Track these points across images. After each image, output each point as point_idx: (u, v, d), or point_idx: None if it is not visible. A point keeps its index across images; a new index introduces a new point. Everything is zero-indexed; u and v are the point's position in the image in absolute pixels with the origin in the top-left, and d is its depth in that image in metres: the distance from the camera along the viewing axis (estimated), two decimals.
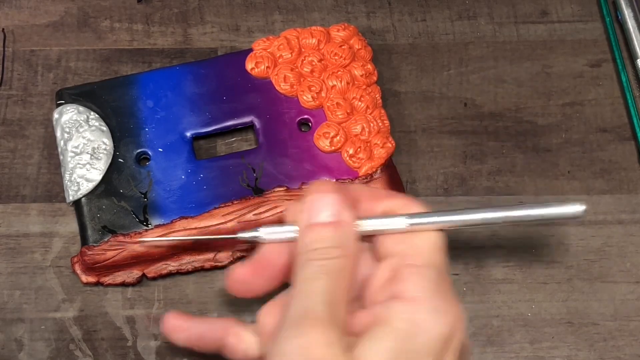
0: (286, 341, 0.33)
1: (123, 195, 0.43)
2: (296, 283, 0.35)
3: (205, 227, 0.42)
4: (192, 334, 0.39)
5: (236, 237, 0.39)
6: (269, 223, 0.43)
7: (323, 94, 0.46)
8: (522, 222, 0.35)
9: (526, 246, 0.45)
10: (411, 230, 0.36)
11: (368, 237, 0.37)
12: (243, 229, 0.42)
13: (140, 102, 0.46)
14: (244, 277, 0.38)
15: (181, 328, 0.39)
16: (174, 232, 0.42)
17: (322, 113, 0.46)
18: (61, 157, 0.45)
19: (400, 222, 0.36)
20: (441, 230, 0.36)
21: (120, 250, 0.42)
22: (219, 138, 0.47)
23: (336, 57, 0.46)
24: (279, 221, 0.43)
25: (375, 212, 0.37)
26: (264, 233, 0.38)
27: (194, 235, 0.42)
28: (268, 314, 0.37)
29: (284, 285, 0.37)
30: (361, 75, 0.46)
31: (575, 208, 0.35)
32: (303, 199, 0.36)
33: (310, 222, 0.35)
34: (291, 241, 0.37)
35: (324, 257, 0.34)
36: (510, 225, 0.34)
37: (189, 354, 0.42)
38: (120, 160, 0.44)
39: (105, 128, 0.45)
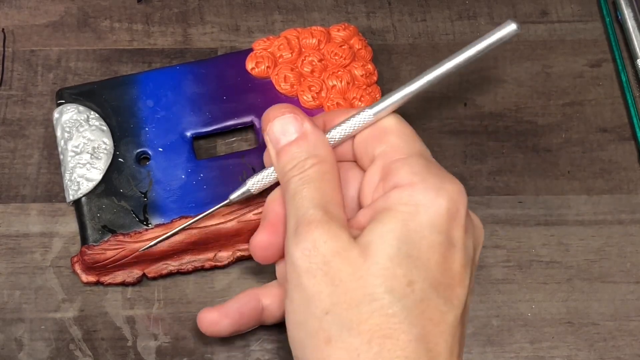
0: (292, 251, 0.34)
1: (123, 195, 0.43)
2: (286, 204, 0.36)
3: (205, 226, 0.42)
4: (233, 317, 0.39)
5: (229, 202, 0.40)
6: None
7: (323, 94, 0.46)
8: (469, 62, 0.37)
9: (526, 246, 0.45)
10: (378, 119, 0.37)
11: (349, 152, 0.38)
12: (242, 229, 0.43)
13: (141, 101, 0.46)
14: (264, 241, 0.38)
15: (220, 318, 0.39)
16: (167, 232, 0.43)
17: None
18: (61, 157, 0.44)
19: (365, 116, 0.37)
20: (404, 103, 0.37)
21: (120, 250, 0.42)
22: (219, 138, 0.47)
23: (336, 57, 0.46)
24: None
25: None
26: (251, 185, 0.39)
27: (197, 234, 0.42)
28: (282, 261, 0.38)
29: None
30: (361, 75, 0.46)
31: (510, 28, 0.37)
32: (263, 130, 0.38)
33: (278, 147, 0.37)
34: (277, 182, 0.38)
35: (301, 170, 0.35)
36: (460, 67, 0.37)
37: (188, 354, 0.42)
38: (120, 159, 0.44)
39: (105, 127, 0.45)
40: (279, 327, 0.43)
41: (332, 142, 0.37)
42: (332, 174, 0.36)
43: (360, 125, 0.37)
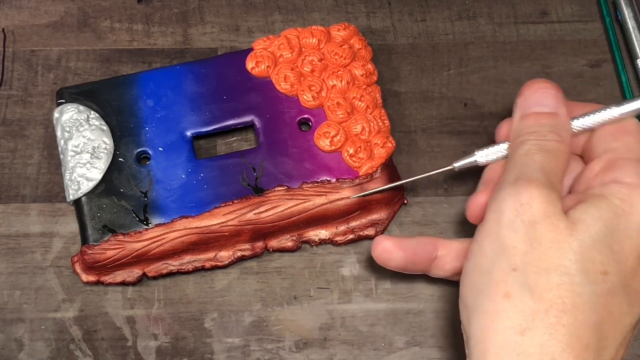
0: (503, 199, 0.34)
1: (123, 195, 0.43)
2: (511, 159, 0.36)
3: (206, 226, 0.42)
4: (408, 252, 0.40)
5: (453, 168, 0.41)
6: (272, 220, 0.43)
7: (323, 94, 0.46)
8: None
9: None
10: (623, 118, 0.38)
11: (578, 145, 0.39)
12: (243, 229, 0.43)
13: (141, 101, 0.46)
14: (484, 202, 0.38)
15: (394, 248, 0.40)
16: (174, 230, 0.43)
17: (323, 112, 0.46)
18: (61, 156, 0.44)
19: (611, 114, 0.38)
20: None
21: (120, 249, 0.42)
22: (219, 137, 0.47)
23: (336, 57, 0.46)
24: (280, 220, 0.43)
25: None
26: (479, 157, 0.40)
27: (197, 234, 0.43)
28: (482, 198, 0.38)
29: None
30: (361, 75, 0.46)
31: None
32: (520, 93, 0.39)
33: (528, 112, 0.38)
34: (506, 159, 0.39)
35: (541, 138, 0.36)
36: None
37: (188, 354, 0.42)
38: (120, 159, 0.44)
39: (105, 127, 0.45)
40: (277, 326, 0.43)
41: (574, 127, 0.38)
42: (565, 155, 0.37)
43: (603, 121, 0.38)
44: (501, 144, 0.40)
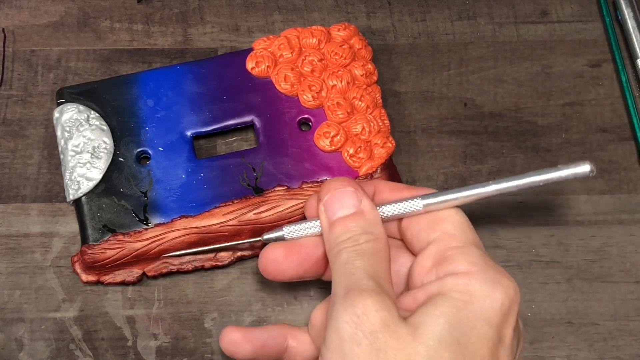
0: (339, 315, 0.33)
1: (123, 194, 0.43)
2: (335, 271, 0.35)
3: (206, 226, 0.42)
4: (255, 345, 0.39)
5: (261, 240, 0.40)
6: (272, 221, 0.43)
7: (323, 94, 0.46)
8: (533, 186, 0.37)
9: (526, 246, 0.45)
10: (427, 211, 0.37)
11: (396, 230, 0.38)
12: (243, 229, 0.43)
13: (141, 101, 0.46)
14: (277, 257, 0.38)
15: (242, 341, 0.39)
16: (173, 230, 0.43)
17: (323, 112, 0.46)
18: (62, 156, 0.45)
19: (416, 205, 0.37)
20: (457, 206, 0.37)
21: (120, 249, 0.42)
22: (219, 137, 0.47)
23: (336, 57, 0.46)
24: (280, 220, 0.43)
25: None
26: (287, 232, 0.39)
27: (197, 234, 0.43)
28: (319, 311, 0.38)
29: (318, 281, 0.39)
30: (361, 75, 0.46)
31: (582, 169, 0.36)
32: (320, 199, 0.37)
33: (332, 220, 0.36)
34: (316, 235, 0.38)
35: (355, 244, 0.35)
36: (521, 190, 0.37)
37: (188, 354, 0.42)
38: (120, 159, 0.44)
39: (105, 127, 0.45)
40: None
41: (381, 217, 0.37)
42: (385, 253, 0.36)
43: (409, 211, 0.37)
44: (310, 222, 0.38)
